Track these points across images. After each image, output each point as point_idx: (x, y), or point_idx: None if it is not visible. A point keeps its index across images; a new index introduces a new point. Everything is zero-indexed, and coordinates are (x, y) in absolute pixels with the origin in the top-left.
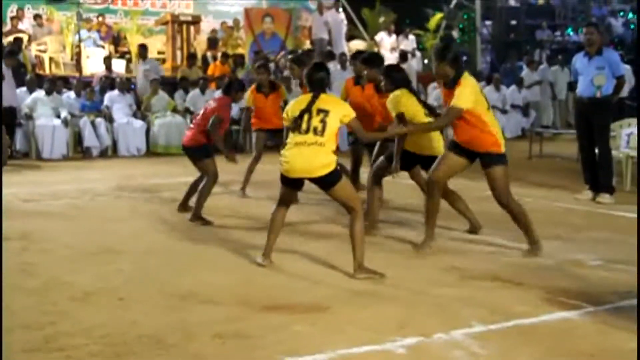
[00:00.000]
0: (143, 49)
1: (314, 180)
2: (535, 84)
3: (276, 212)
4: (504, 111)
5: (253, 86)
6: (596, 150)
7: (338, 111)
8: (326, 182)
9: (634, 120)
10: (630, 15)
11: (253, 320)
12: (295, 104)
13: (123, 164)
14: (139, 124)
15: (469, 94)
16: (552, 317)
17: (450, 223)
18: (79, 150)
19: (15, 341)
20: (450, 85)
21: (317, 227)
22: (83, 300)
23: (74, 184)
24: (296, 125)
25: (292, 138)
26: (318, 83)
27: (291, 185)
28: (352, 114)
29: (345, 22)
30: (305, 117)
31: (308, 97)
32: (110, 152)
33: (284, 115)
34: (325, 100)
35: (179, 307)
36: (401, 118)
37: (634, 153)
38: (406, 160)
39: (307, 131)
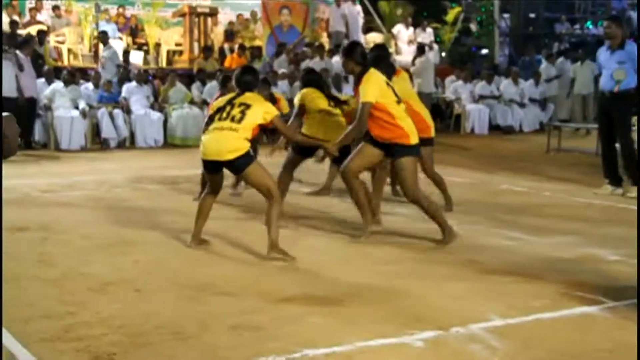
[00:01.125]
0: (103, 34)
1: (225, 164)
2: (554, 78)
3: (204, 198)
4: (521, 105)
5: None
6: (616, 145)
7: (260, 108)
8: (235, 166)
9: None
10: None
11: (268, 311)
12: (223, 98)
13: (140, 155)
14: (156, 115)
15: (371, 88)
16: (571, 312)
17: (465, 217)
18: (96, 141)
19: (34, 331)
20: (356, 82)
21: (331, 222)
22: (101, 291)
23: (92, 175)
24: (216, 113)
25: (212, 125)
26: (244, 84)
27: (210, 170)
28: (274, 112)
29: (361, 14)
30: (227, 107)
31: (234, 93)
32: (128, 143)
33: (210, 106)
34: (249, 97)
35: (195, 299)
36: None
37: None
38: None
39: (225, 119)
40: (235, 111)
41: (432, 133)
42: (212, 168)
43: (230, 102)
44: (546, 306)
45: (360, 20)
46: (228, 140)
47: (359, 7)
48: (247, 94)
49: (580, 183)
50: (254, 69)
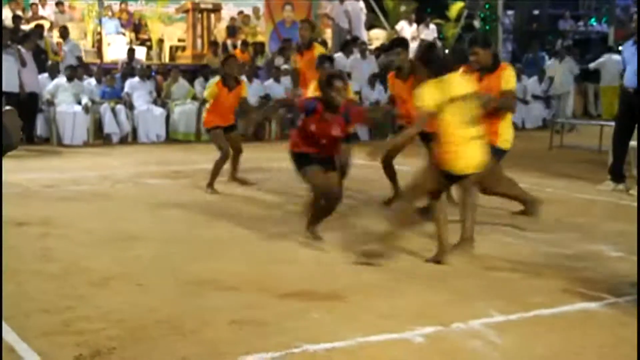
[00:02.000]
0: (64, 29)
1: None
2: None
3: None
4: (525, 101)
5: (219, 79)
6: (632, 143)
7: None
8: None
9: None
10: None
11: (270, 307)
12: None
13: (143, 150)
14: (158, 111)
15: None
16: (571, 308)
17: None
18: (99, 136)
19: (34, 325)
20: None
21: (335, 218)
22: (102, 286)
23: (94, 170)
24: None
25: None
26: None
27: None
28: None
29: (364, 10)
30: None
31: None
32: (130, 138)
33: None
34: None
35: (196, 294)
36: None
37: None
38: None
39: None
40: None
41: None
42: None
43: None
44: (547, 302)
45: (363, 17)
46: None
47: (361, 3)
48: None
49: (582, 180)
50: None
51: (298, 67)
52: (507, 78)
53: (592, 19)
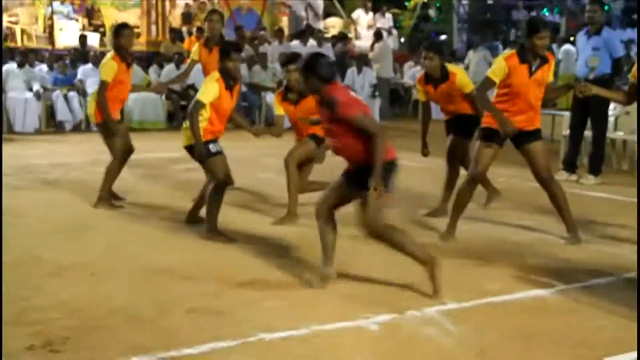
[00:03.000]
0: None
1: None
2: None
3: None
4: None
5: (219, 78)
6: (587, 132)
7: None
8: None
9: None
10: None
11: (226, 296)
12: None
13: (96, 138)
14: None
15: None
16: (523, 295)
17: (420, 202)
18: (51, 124)
19: None
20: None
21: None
22: (56, 275)
23: (47, 158)
24: None
25: None
26: None
27: None
28: None
29: None
30: None
31: None
32: (84, 126)
33: None
34: None
35: (152, 283)
36: None
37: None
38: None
39: None
40: None
41: None
42: None
43: None
44: (500, 289)
45: (321, 5)
46: None
47: None
48: None
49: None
50: None
51: (199, 61)
52: (463, 82)
53: (545, 9)
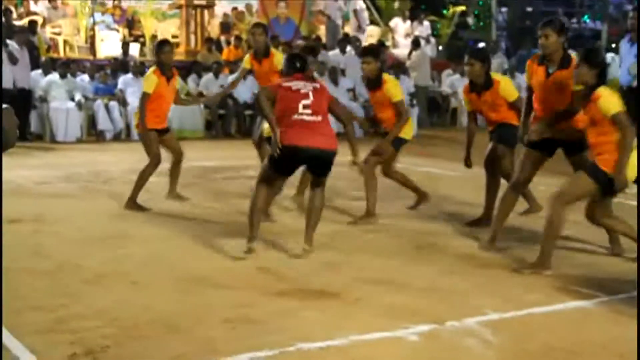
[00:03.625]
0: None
1: None
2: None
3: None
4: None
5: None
6: None
7: None
8: None
9: None
10: None
11: (263, 305)
12: None
13: (137, 147)
14: None
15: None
16: (565, 306)
17: (460, 211)
18: (92, 133)
19: (26, 323)
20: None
21: (327, 215)
22: (95, 283)
23: (88, 167)
24: None
25: None
26: None
27: None
28: None
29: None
30: None
31: None
32: (124, 135)
33: None
34: None
35: (189, 291)
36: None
37: None
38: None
39: None
40: None
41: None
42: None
43: None
44: (540, 300)
45: (367, 17)
46: None
47: (361, 2)
48: None
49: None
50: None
51: (251, 70)
52: (507, 90)
53: (585, 16)
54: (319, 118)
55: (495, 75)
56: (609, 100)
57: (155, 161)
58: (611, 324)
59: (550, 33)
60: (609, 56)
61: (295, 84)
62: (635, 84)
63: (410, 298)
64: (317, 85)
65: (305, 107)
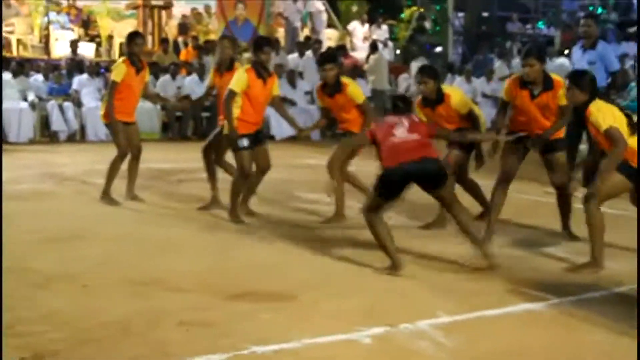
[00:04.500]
0: None
1: None
2: (507, 77)
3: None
4: (474, 102)
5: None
6: (582, 146)
7: None
8: None
9: None
10: (600, 10)
11: (219, 308)
12: None
13: (91, 149)
14: None
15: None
16: (516, 309)
17: (411, 215)
18: (46, 134)
19: None
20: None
21: (284, 217)
22: (44, 287)
23: (41, 168)
24: None
25: None
26: None
27: None
28: None
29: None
30: None
31: None
32: (79, 136)
33: None
34: None
35: (144, 294)
36: None
37: None
38: None
39: None
40: None
41: None
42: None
43: None
44: (492, 303)
45: (324, 17)
46: None
47: (320, 4)
48: None
49: (530, 181)
50: None
51: (215, 86)
52: (458, 103)
53: (540, 22)
54: None
55: (446, 89)
56: (597, 116)
57: (122, 152)
58: (561, 327)
59: (534, 62)
60: (559, 62)
61: None
62: None
63: (363, 301)
64: None
65: None
